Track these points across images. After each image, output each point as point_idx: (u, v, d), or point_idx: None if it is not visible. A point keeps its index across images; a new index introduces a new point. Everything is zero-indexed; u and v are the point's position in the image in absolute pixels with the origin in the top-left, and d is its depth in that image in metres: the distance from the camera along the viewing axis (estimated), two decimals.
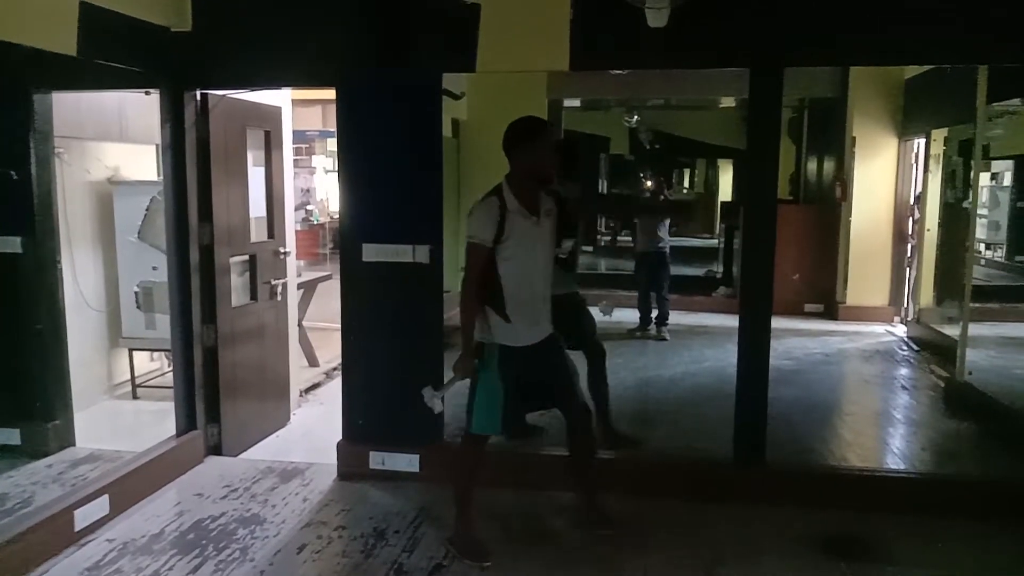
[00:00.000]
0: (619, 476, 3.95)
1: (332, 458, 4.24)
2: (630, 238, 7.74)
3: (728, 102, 10.20)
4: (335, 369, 5.99)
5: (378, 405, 4.16)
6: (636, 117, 11.89)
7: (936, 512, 3.67)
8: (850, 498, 3.79)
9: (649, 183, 7.94)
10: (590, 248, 14.08)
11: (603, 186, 17.09)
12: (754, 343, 3.81)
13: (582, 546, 3.46)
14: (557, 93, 9.45)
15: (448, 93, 7.89)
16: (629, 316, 7.75)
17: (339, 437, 4.24)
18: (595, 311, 7.85)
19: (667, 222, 7.54)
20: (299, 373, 5.74)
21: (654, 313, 7.60)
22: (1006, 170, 13.45)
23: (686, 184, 20.50)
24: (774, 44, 3.70)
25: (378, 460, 4.15)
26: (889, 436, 5.11)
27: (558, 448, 4.30)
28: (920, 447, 4.74)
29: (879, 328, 8.00)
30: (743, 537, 3.50)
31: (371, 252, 4.03)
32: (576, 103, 11.28)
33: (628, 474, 3.96)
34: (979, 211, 12.61)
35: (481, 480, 3.46)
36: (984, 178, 13.38)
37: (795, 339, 7.39)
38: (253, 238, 4.85)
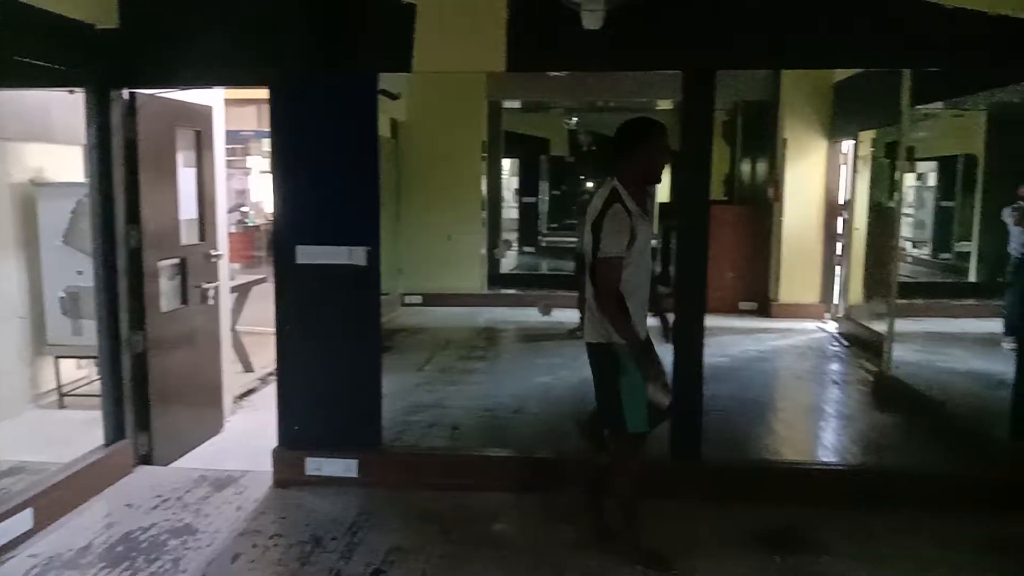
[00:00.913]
0: (559, 476, 3.98)
1: (268, 465, 4.16)
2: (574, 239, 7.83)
3: (666, 104, 10.35)
4: (271, 374, 5.87)
5: (314, 410, 4.10)
6: (575, 119, 12.01)
7: (866, 503, 3.78)
8: (784, 492, 3.87)
9: (590, 184, 8.01)
10: (531, 249, 14.18)
11: (545, 188, 17.21)
12: (688, 341, 3.86)
13: (525, 547, 3.46)
14: (497, 94, 9.49)
15: (386, 93, 7.86)
16: (572, 316, 7.80)
17: (275, 443, 4.16)
18: (533, 312, 7.92)
19: None
20: (233, 379, 5.61)
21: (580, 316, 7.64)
22: (931, 171, 13.99)
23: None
24: (707, 47, 3.76)
25: (315, 466, 4.09)
26: (821, 430, 5.25)
27: (497, 449, 4.34)
28: (850, 440, 4.88)
29: (811, 325, 8.22)
30: (681, 533, 3.54)
31: (305, 254, 3.97)
32: (516, 104, 11.30)
33: (564, 473, 3.98)
34: (905, 210, 13.10)
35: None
36: (910, 178, 13.90)
37: (730, 337, 7.54)
38: (184, 241, 4.72)
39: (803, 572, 3.24)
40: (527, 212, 14.24)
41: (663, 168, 3.17)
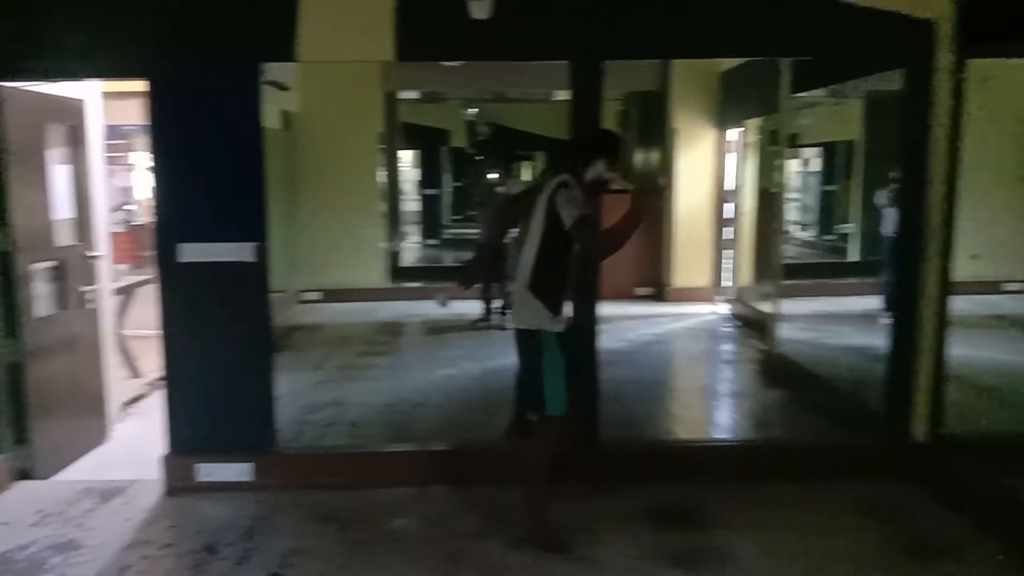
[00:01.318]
0: (461, 467, 3.99)
1: (157, 473, 4.00)
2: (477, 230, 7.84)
3: (564, 95, 10.45)
4: (161, 379, 5.65)
5: (205, 414, 3.96)
6: (475, 110, 11.99)
7: (757, 476, 3.95)
8: (679, 469, 4.00)
9: (494, 175, 8.02)
10: (435, 241, 14.11)
11: (447, 179, 17.12)
12: (584, 327, 3.92)
13: (423, 540, 3.45)
14: (393, 85, 9.37)
15: (276, 84, 7.65)
16: (474, 307, 7.83)
17: (164, 451, 4.01)
18: (431, 304, 7.88)
19: None
20: (120, 385, 5.35)
21: (497, 303, 7.70)
22: (815, 157, 14.65)
23: (527, 176, 20.89)
24: (593, 38, 3.82)
25: (207, 472, 3.96)
26: (712, 408, 5.45)
27: (397, 444, 4.31)
28: (740, 416, 5.09)
29: (704, 308, 8.50)
30: (579, 516, 3.60)
31: (190, 252, 3.82)
32: (414, 95, 11.18)
33: (466, 464, 4.01)
34: (791, 195, 13.68)
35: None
36: (795, 164, 14.52)
37: (628, 322, 7.72)
38: (60, 242, 4.47)
39: (695, 546, 3.36)
40: (429, 204, 14.15)
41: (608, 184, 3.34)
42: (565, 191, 3.14)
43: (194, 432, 3.97)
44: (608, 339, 7.24)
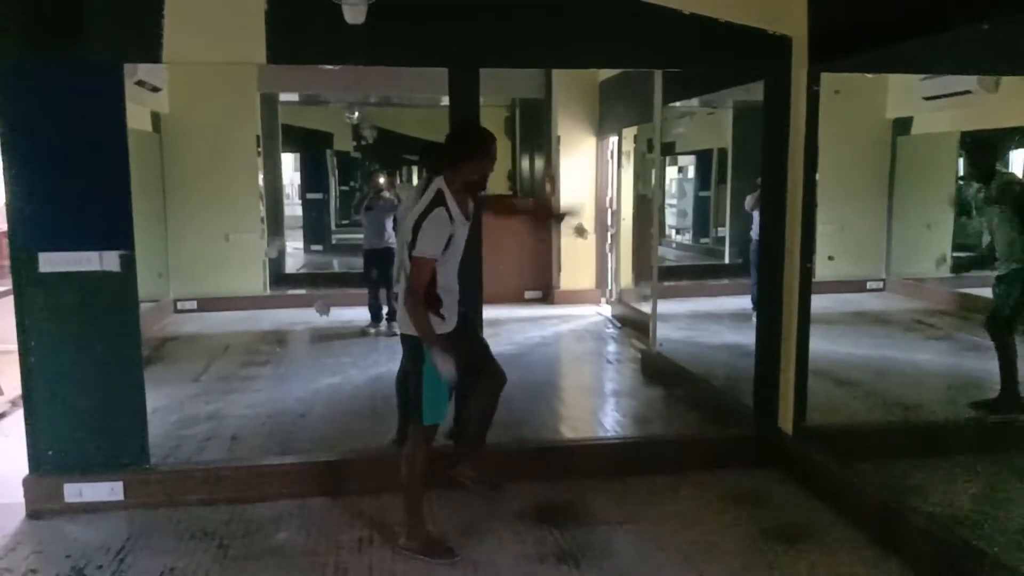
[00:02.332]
0: (345, 477, 3.94)
1: (19, 496, 3.75)
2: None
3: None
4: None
5: (70, 432, 3.75)
6: (357, 113, 11.83)
7: (636, 471, 4.08)
8: (562, 468, 4.09)
9: (381, 180, 7.93)
10: (320, 247, 13.82)
11: (332, 183, 16.81)
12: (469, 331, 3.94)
13: (307, 553, 3.38)
14: (270, 87, 9.14)
15: (144, 84, 7.32)
16: (362, 314, 7.73)
17: (27, 472, 3.76)
18: (311, 312, 7.73)
19: (392, 218, 7.58)
20: None
21: (385, 310, 7.63)
22: (690, 164, 15.26)
23: (415, 181, 20.79)
24: (470, 44, 3.86)
25: (75, 492, 3.74)
26: (595, 407, 5.59)
27: (279, 456, 4.21)
28: (621, 414, 5.24)
29: (589, 310, 8.72)
30: (463, 520, 3.63)
31: (50, 262, 3.60)
32: (294, 97, 10.95)
33: (350, 474, 3.96)
34: (668, 200, 14.21)
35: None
36: (672, 171, 15.07)
37: (516, 324, 7.82)
38: None
39: (578, 543, 3.44)
40: (313, 208, 13.85)
41: (487, 177, 3.29)
42: (436, 214, 3.09)
43: (59, 451, 3.75)
44: (498, 342, 7.32)
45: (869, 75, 7.50)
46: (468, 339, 3.43)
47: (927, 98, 8.16)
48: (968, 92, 7.47)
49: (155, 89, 7.87)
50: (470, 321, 3.56)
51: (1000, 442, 4.29)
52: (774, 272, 4.23)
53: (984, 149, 4.85)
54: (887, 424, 4.71)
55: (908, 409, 4.92)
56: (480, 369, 3.45)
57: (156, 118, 8.37)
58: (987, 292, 7.82)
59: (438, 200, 3.13)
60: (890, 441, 4.33)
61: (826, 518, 3.62)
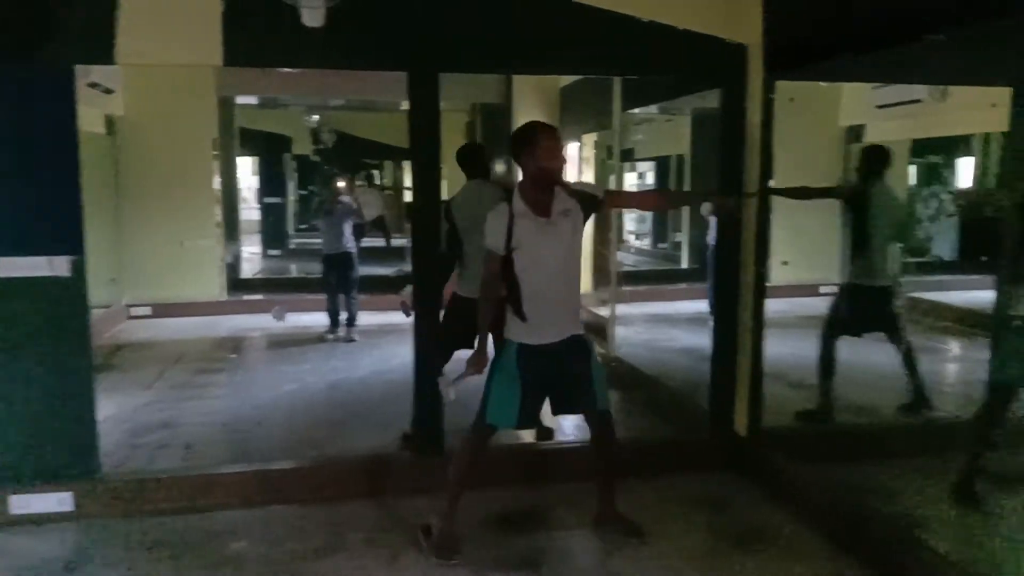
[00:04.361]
0: (303, 485, 3.89)
1: None
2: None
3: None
4: None
5: (16, 442, 3.64)
6: (317, 117, 11.74)
7: (592, 476, 4.08)
8: (520, 474, 4.10)
9: (341, 184, 7.88)
10: (278, 251, 13.67)
11: (291, 187, 16.64)
12: (428, 338, 3.93)
13: (263, 562, 3.33)
14: (228, 89, 9.02)
15: (97, 86, 7.18)
16: (321, 319, 7.66)
17: None
18: (268, 318, 7.64)
19: (351, 223, 7.53)
20: None
21: (344, 315, 7.57)
22: (649, 170, 15.42)
23: (376, 184, 20.67)
24: (429, 49, 3.84)
25: (21, 504, 3.63)
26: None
27: (235, 465, 4.14)
28: (580, 419, 5.23)
29: None
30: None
31: None
32: (252, 100, 10.83)
33: (309, 481, 3.92)
34: None
35: (474, 478, 3.43)
36: (632, 177, 15.20)
37: None
38: None
39: (538, 548, 3.44)
40: (272, 213, 13.69)
41: (554, 168, 3.17)
42: (496, 209, 3.18)
43: (4, 461, 3.64)
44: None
45: (823, 84, 7.67)
46: (566, 366, 3.28)
47: (879, 107, 8.36)
48: (918, 101, 7.67)
49: (108, 91, 7.72)
50: (582, 347, 3.33)
51: (950, 442, 4.38)
52: (730, 277, 4.29)
53: (878, 154, 4.89)
54: (841, 426, 4.79)
55: (862, 411, 5.01)
56: (575, 405, 3.46)
57: (110, 121, 8.20)
58: (935, 295, 8.08)
59: (505, 197, 3.26)
60: (845, 443, 4.42)
61: (782, 520, 3.67)
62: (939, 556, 3.02)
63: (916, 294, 8.36)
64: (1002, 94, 4.60)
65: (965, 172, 11.47)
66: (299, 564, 3.30)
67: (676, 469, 4.18)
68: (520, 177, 3.27)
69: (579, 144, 8.51)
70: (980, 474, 3.69)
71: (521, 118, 8.90)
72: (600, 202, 3.39)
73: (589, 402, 3.38)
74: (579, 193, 3.30)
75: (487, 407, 3.28)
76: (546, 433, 4.44)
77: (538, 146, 3.12)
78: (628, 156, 12.66)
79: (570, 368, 3.29)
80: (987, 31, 2.95)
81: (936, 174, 12.42)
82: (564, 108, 8.77)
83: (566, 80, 8.40)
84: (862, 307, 4.76)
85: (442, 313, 4.13)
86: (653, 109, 10.38)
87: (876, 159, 4.79)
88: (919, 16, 3.02)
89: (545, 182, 3.16)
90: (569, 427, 5.00)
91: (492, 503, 3.82)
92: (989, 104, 5.99)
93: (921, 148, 10.90)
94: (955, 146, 11.27)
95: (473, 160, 4.49)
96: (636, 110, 9.46)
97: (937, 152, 11.84)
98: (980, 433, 3.74)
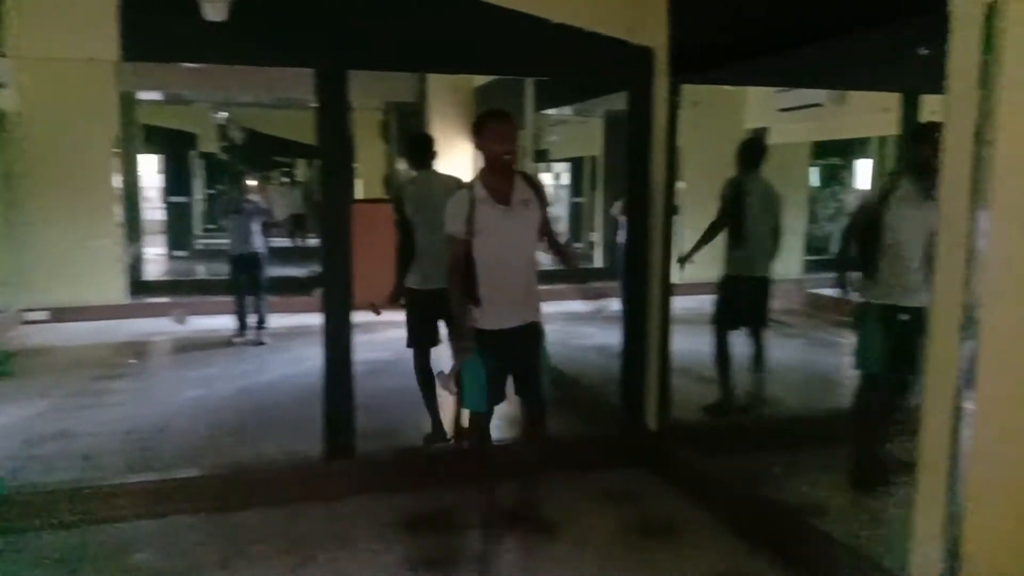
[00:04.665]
0: (209, 494, 3.78)
1: None
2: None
3: None
4: None
5: None
6: (224, 114, 11.39)
7: (510, 474, 4.04)
8: (434, 475, 4.06)
9: (250, 182, 7.67)
10: (184, 252, 13.22)
11: (198, 186, 16.13)
12: (336, 339, 3.87)
13: (163, 574, 3.22)
14: (129, 84, 8.67)
15: None
16: (229, 323, 7.45)
17: None
18: (167, 321, 7.39)
19: (260, 223, 7.35)
20: None
21: (253, 318, 7.38)
22: (564, 171, 15.61)
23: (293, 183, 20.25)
24: (336, 46, 3.77)
25: None
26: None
27: (136, 474, 3.99)
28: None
29: None
30: (334, 531, 3.54)
31: None
32: (157, 96, 10.45)
33: (214, 490, 3.81)
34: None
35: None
36: (547, 178, 15.34)
37: (394, 331, 7.65)
38: None
39: (448, 549, 3.44)
40: (177, 212, 13.22)
41: (502, 151, 3.21)
42: (456, 196, 3.26)
43: None
44: (374, 348, 7.21)
45: (729, 88, 7.92)
46: (519, 351, 3.37)
47: (782, 110, 8.69)
48: (819, 105, 8.01)
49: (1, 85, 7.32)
50: (537, 335, 3.43)
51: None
52: (638, 276, 4.38)
53: (753, 147, 5.05)
54: (747, 419, 4.95)
55: (767, 404, 5.19)
56: (519, 390, 3.50)
57: (2, 116, 7.77)
58: (834, 291, 8.45)
59: (467, 184, 3.34)
60: (748, 434, 4.57)
61: (689, 512, 3.78)
62: (834, 540, 3.16)
63: (816, 290, 8.76)
64: (894, 99, 4.88)
65: (863, 173, 12.05)
66: (203, 574, 3.20)
67: (590, 465, 4.24)
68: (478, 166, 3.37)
69: None
70: (871, 459, 3.87)
71: (436, 117, 8.91)
72: (544, 211, 3.43)
73: (534, 391, 3.49)
74: (537, 189, 3.40)
75: (462, 395, 3.37)
76: (438, 436, 4.42)
77: (488, 129, 3.23)
78: (542, 157, 12.78)
79: (524, 354, 3.39)
80: (875, 39, 3.11)
81: (836, 175, 13.01)
82: (478, 107, 8.78)
83: (480, 80, 8.41)
84: (739, 299, 4.88)
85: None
86: (568, 111, 10.50)
87: (751, 153, 4.91)
88: (812, 22, 3.16)
89: (497, 165, 3.24)
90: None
91: (399, 505, 3.79)
92: (882, 108, 6.30)
93: (822, 151, 11.39)
94: (854, 148, 11.83)
95: (421, 150, 4.51)
96: (552, 111, 9.58)
97: (837, 154, 12.41)
98: (858, 421, 3.93)
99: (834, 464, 4.09)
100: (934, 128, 3.75)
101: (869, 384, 3.88)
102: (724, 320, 4.94)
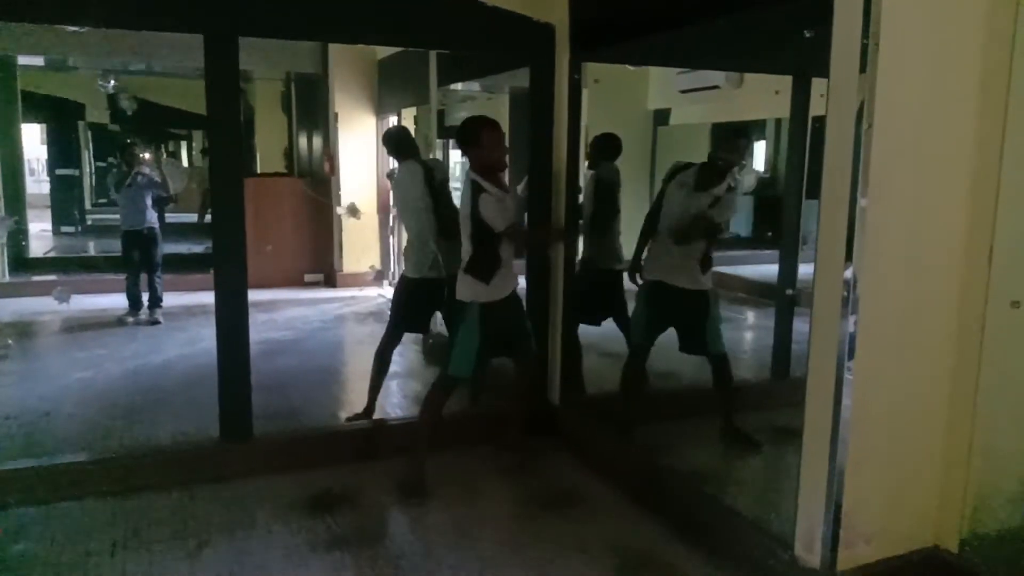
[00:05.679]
0: (97, 477, 3.63)
1: None
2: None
3: None
4: None
5: None
6: (113, 82, 10.78)
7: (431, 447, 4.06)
8: (335, 454, 4.02)
9: (143, 155, 7.31)
10: (73, 228, 12.54)
11: (86, 158, 15.29)
12: (231, 318, 3.75)
13: (52, 563, 3.06)
14: (7, 47, 8.11)
15: None
16: (120, 302, 7.14)
17: None
18: (73, 300, 7.05)
19: (153, 197, 7.05)
20: None
21: (145, 296, 7.09)
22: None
23: (184, 157, 19.47)
24: (226, 10, 3.60)
25: None
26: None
27: (10, 462, 3.79)
28: (401, 396, 5.25)
29: (373, 292, 8.63)
30: (232, 515, 3.45)
31: None
32: (38, 61, 9.81)
33: (105, 473, 3.67)
34: (453, 184, 14.31)
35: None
36: (458, 154, 15.18)
37: (295, 309, 7.56)
38: None
39: (351, 528, 3.40)
40: (64, 186, 12.49)
41: (501, 157, 3.63)
42: (486, 197, 3.49)
43: None
44: (274, 327, 7.07)
45: (631, 67, 8.03)
46: (512, 310, 3.80)
47: (683, 91, 8.88)
48: (717, 87, 8.22)
49: None
50: (519, 300, 3.89)
51: (741, 403, 4.76)
52: (542, 256, 4.41)
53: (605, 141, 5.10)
54: (643, 391, 5.07)
55: (662, 376, 5.34)
56: (511, 346, 3.88)
57: None
58: (732, 269, 8.76)
59: (477, 189, 3.52)
60: (648, 406, 4.69)
61: (590, 483, 3.86)
62: (726, 507, 3.30)
63: (716, 268, 9.03)
64: (786, 82, 5.04)
65: (758, 155, 12.47)
66: (93, 563, 3.06)
67: (495, 440, 4.26)
68: (474, 166, 3.61)
69: (398, 118, 8.41)
70: (733, 419, 4.22)
71: (338, 88, 8.72)
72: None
73: (526, 347, 3.94)
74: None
75: (451, 361, 3.71)
76: (365, 417, 4.42)
77: (487, 137, 3.57)
78: (450, 133, 12.67)
79: (517, 315, 3.86)
80: (765, 19, 3.21)
81: None
82: (382, 80, 8.64)
83: (384, 52, 8.27)
84: (596, 288, 4.79)
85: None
86: (475, 86, 10.42)
87: (603, 146, 4.93)
88: (704, 1, 3.23)
89: (499, 167, 3.66)
90: (390, 405, 5.00)
91: (301, 486, 3.73)
92: (773, 91, 6.51)
93: (721, 133, 11.71)
94: (751, 130, 12.21)
95: (399, 143, 4.66)
96: (459, 87, 9.49)
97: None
98: (625, 386, 4.30)
99: (726, 434, 4.27)
100: (739, 135, 4.57)
101: (636, 352, 4.27)
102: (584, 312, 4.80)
